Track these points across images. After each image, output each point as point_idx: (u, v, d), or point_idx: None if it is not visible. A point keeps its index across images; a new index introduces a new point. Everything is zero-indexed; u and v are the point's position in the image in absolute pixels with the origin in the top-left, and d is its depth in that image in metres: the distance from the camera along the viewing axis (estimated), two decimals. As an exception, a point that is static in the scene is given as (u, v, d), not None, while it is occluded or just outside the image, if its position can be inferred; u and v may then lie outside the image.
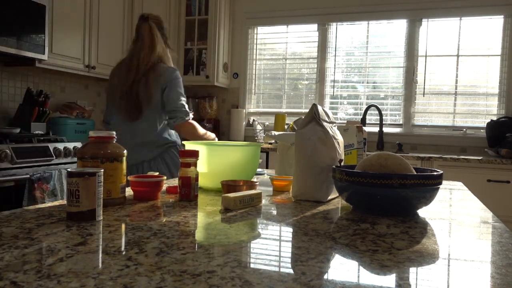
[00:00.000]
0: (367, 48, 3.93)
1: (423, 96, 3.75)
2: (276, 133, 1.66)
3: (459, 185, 1.67)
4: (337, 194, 1.18)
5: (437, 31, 3.71)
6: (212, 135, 2.23)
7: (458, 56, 3.65)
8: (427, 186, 0.99)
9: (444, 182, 1.75)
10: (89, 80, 3.58)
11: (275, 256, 0.67)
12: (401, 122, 3.81)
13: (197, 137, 2.09)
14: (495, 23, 3.58)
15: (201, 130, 2.13)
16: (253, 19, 4.20)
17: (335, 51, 3.99)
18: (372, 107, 3.70)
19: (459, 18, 3.63)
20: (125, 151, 1.05)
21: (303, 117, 1.37)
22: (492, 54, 3.59)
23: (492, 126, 3.39)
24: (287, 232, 0.83)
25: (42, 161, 2.41)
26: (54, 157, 2.47)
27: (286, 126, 3.89)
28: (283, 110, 4.16)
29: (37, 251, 0.64)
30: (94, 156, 0.99)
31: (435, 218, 1.00)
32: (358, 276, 0.58)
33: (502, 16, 3.54)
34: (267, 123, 4.15)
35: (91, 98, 3.68)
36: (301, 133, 1.21)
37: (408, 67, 3.77)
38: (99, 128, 3.27)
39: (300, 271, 0.59)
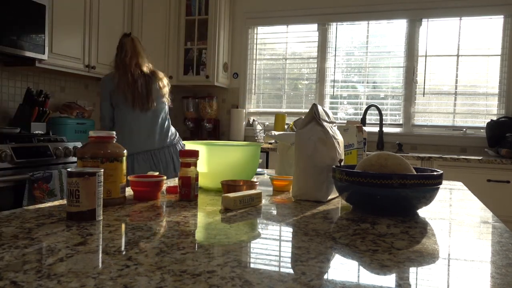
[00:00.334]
0: (367, 48, 3.93)
1: (423, 96, 3.75)
2: (276, 133, 1.66)
3: (459, 185, 1.67)
4: (337, 194, 1.18)
5: (437, 31, 3.70)
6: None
7: (458, 56, 3.65)
8: (427, 186, 0.99)
9: (444, 182, 1.75)
10: (89, 80, 3.58)
11: (275, 256, 0.67)
12: (401, 122, 3.81)
13: None
14: (495, 23, 3.57)
15: None
16: (253, 19, 4.20)
17: (335, 51, 3.99)
18: (372, 107, 3.70)
19: (459, 18, 3.63)
20: (125, 151, 1.05)
21: (303, 117, 1.37)
22: (492, 54, 3.58)
23: (492, 126, 3.39)
24: (287, 232, 0.83)
25: (42, 161, 2.40)
26: (54, 157, 2.47)
27: (286, 126, 3.89)
28: (283, 110, 4.16)
29: (37, 251, 0.64)
30: (94, 156, 0.99)
31: (435, 218, 1.00)
32: (358, 276, 0.58)
33: (502, 16, 3.54)
34: (267, 123, 4.15)
35: (91, 98, 3.68)
36: (301, 133, 1.21)
37: (408, 67, 3.77)
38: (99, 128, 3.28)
39: (300, 271, 0.59)
